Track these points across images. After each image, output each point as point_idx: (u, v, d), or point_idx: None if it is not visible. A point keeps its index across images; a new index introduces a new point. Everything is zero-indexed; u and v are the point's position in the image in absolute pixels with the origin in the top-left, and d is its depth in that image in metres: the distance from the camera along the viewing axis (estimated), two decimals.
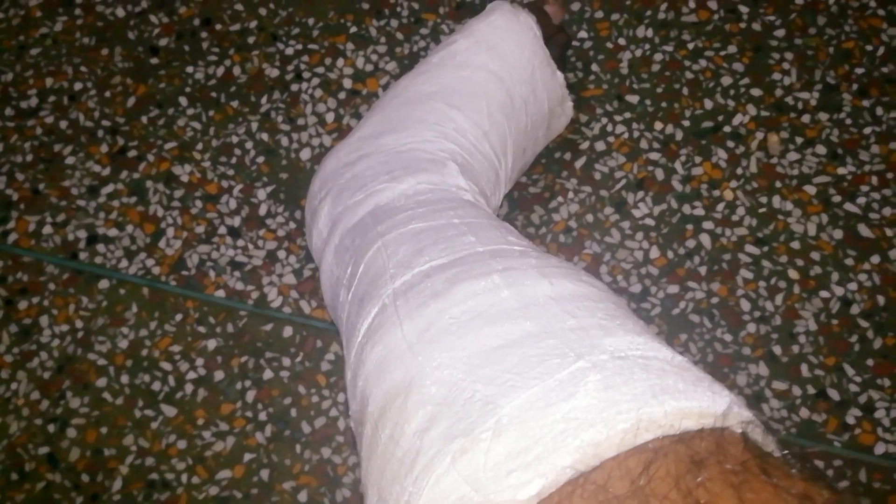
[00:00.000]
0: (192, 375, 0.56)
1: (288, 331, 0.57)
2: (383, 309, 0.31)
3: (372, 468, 0.25)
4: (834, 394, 0.53)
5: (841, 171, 0.58)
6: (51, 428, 0.56)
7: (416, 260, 0.33)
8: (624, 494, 0.18)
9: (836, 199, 0.58)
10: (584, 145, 0.60)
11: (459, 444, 0.22)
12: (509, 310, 0.27)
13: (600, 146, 0.60)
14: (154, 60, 0.65)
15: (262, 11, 0.66)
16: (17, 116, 0.64)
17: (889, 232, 0.57)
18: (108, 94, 0.64)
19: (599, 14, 0.64)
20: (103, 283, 0.59)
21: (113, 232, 0.60)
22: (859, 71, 0.61)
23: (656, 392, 0.20)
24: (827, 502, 0.17)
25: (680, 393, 0.20)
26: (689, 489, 0.17)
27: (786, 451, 0.20)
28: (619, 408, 0.20)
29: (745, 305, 0.56)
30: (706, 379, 0.22)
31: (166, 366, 0.57)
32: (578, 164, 0.60)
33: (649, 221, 0.58)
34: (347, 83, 0.63)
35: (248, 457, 0.54)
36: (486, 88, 0.50)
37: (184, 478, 0.54)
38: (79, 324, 0.58)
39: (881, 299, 0.55)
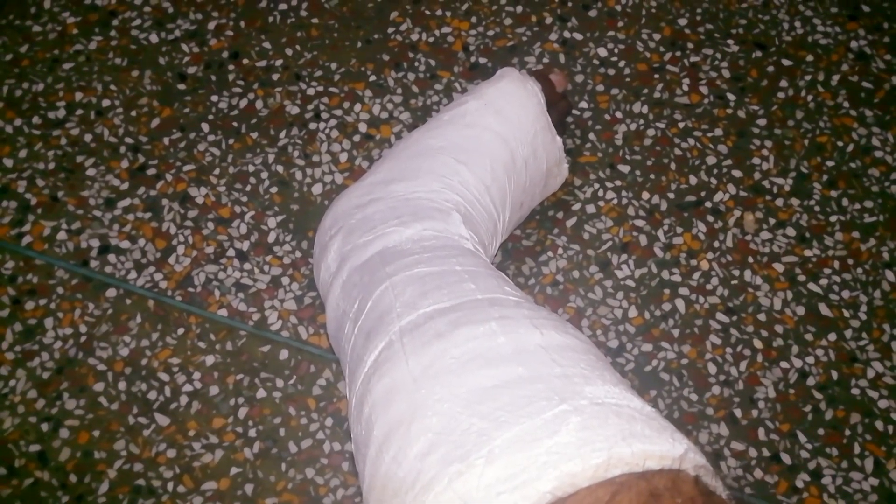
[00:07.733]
0: (188, 388, 0.59)
1: (284, 354, 0.60)
2: (390, 344, 0.34)
3: (375, 485, 0.29)
4: (786, 458, 0.58)
5: (807, 253, 0.63)
6: (44, 427, 0.58)
7: (421, 302, 0.37)
8: None
9: (802, 278, 0.63)
10: (577, 207, 0.65)
11: (456, 468, 0.25)
12: (504, 354, 0.31)
13: (591, 209, 0.65)
14: (181, 86, 0.69)
15: (289, 51, 0.70)
16: (43, 125, 0.67)
17: (846, 313, 0.61)
18: (133, 113, 0.68)
19: (601, 87, 0.69)
20: (110, 292, 0.62)
21: (125, 244, 0.64)
22: (830, 164, 0.66)
23: (626, 435, 0.24)
24: None
25: (646, 438, 0.24)
26: None
27: (728, 493, 0.24)
28: (593, 446, 0.24)
29: (712, 369, 0.60)
30: (669, 428, 0.26)
31: (164, 376, 0.59)
32: (569, 223, 0.64)
33: (630, 283, 0.62)
34: (363, 127, 0.68)
35: (234, 470, 0.57)
36: (491, 147, 0.54)
37: (170, 486, 0.56)
38: (83, 328, 0.61)
39: (835, 374, 0.60)
